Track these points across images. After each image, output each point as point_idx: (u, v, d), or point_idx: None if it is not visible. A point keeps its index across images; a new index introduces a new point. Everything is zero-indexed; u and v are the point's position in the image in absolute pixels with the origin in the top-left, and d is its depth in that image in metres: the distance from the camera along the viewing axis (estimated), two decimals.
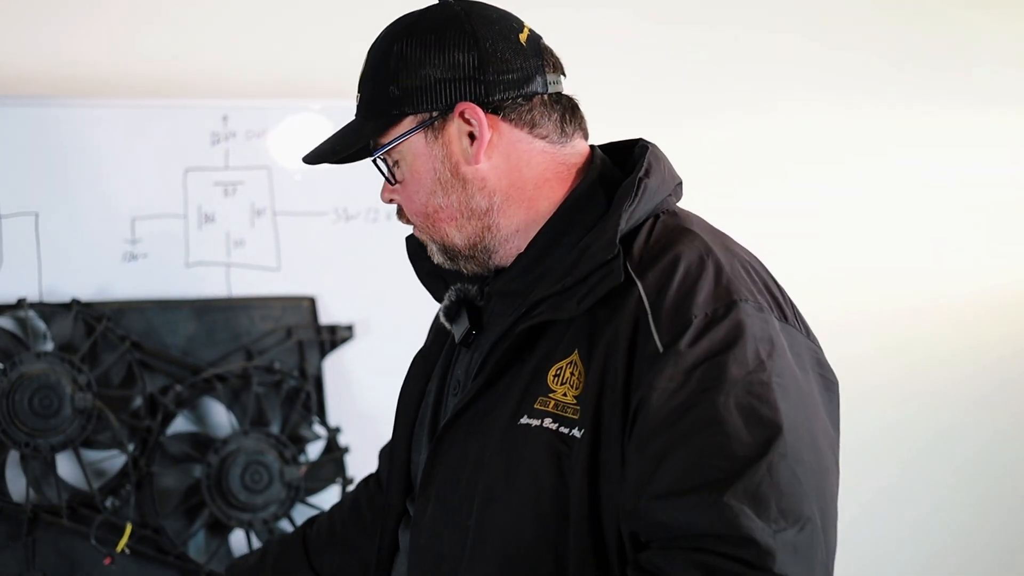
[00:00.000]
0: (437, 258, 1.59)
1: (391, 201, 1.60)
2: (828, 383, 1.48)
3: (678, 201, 1.60)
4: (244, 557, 1.98)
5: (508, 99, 1.53)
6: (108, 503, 2.50)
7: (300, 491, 2.60)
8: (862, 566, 3.35)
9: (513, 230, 1.54)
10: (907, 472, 3.48)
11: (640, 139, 1.62)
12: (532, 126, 1.55)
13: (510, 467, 1.44)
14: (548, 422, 1.43)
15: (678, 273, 1.43)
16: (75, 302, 2.53)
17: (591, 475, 1.40)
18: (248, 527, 2.55)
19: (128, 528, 2.46)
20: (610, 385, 1.41)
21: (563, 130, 1.57)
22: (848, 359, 3.26)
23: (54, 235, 2.57)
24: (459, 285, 1.62)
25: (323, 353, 2.75)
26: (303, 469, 2.61)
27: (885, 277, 3.43)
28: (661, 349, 1.38)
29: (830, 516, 1.39)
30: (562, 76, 1.60)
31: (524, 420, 1.44)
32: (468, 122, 1.52)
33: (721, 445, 1.33)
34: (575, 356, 1.44)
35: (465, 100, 1.51)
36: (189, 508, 2.55)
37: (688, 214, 1.56)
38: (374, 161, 1.59)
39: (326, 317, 2.77)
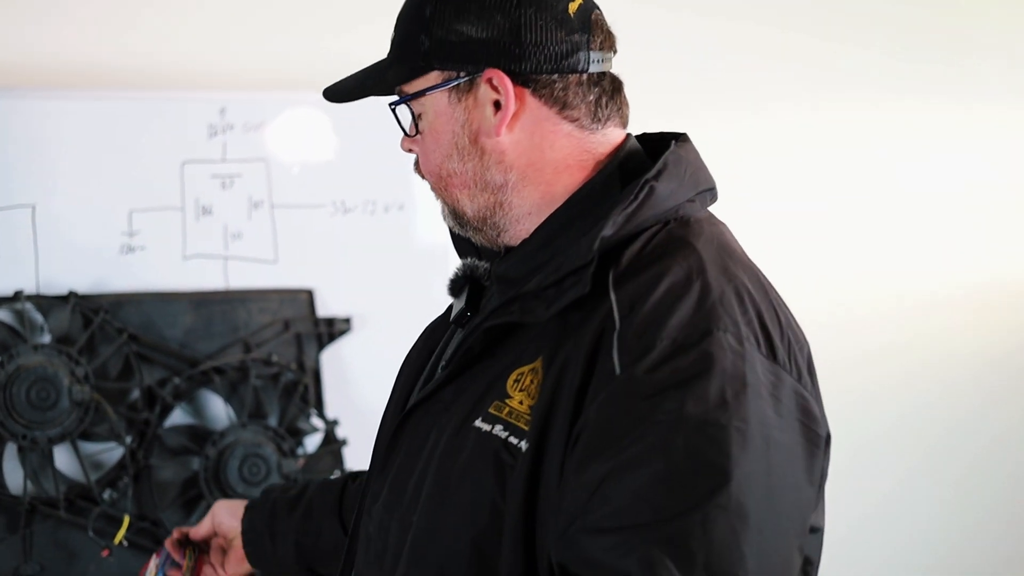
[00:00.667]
0: (447, 220, 1.52)
1: (410, 151, 1.52)
2: (812, 435, 1.35)
3: (705, 207, 1.48)
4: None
5: (541, 73, 1.42)
6: (106, 495, 2.50)
7: None
8: (873, 566, 3.36)
9: (525, 212, 1.45)
10: (923, 466, 3.47)
11: (681, 135, 1.51)
12: (563, 106, 1.45)
13: (456, 470, 1.37)
14: (498, 429, 1.36)
15: (658, 291, 1.33)
16: (72, 294, 2.53)
17: (529, 492, 1.33)
18: None
19: (126, 520, 2.46)
20: (562, 399, 1.32)
21: (596, 115, 1.46)
22: (861, 355, 3.30)
23: (51, 227, 2.57)
24: (471, 260, 1.56)
25: (321, 346, 2.75)
26: (301, 462, 2.61)
27: (891, 275, 3.42)
28: (618, 371, 1.29)
29: None
30: (612, 54, 1.49)
31: (477, 423, 1.38)
32: (495, 90, 1.43)
33: (657, 486, 1.24)
34: (538, 363, 1.37)
35: (495, 67, 1.42)
36: (187, 500, 2.55)
37: (702, 226, 1.44)
38: (393, 108, 1.51)
39: (324, 310, 2.77)
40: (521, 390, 1.37)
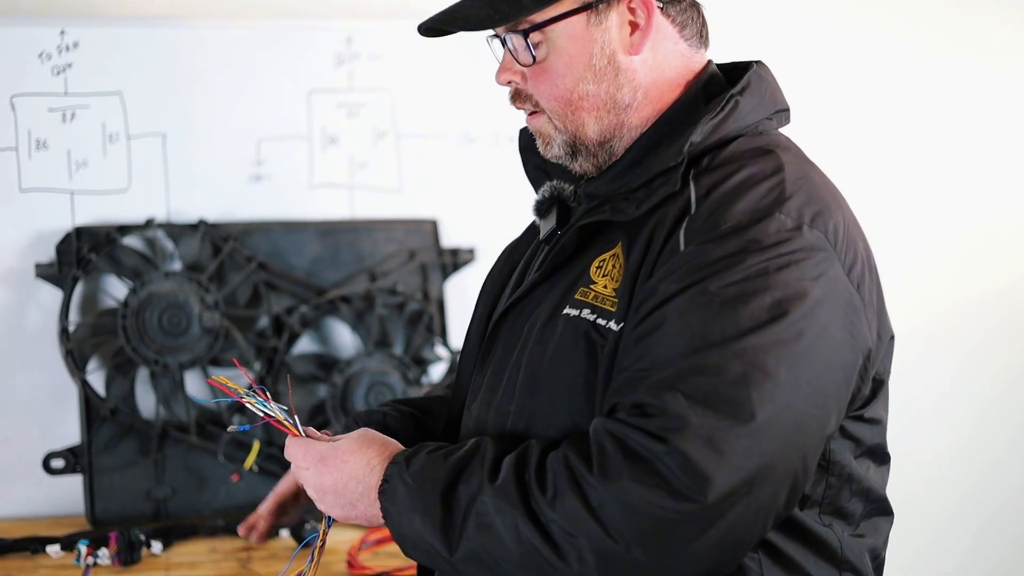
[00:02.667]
0: (555, 151, 1.53)
1: (508, 83, 1.54)
2: (854, 323, 1.38)
3: (780, 127, 1.54)
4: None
5: None
6: (235, 421, 2.54)
7: None
8: None
9: (638, 132, 1.51)
10: None
11: (757, 61, 1.56)
12: (683, 26, 1.52)
13: (549, 356, 1.43)
14: (586, 312, 1.41)
15: (733, 180, 1.39)
16: (202, 222, 2.57)
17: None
18: None
19: (256, 446, 2.50)
20: (641, 279, 1.39)
21: (701, 35, 1.54)
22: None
23: (181, 156, 2.61)
24: (556, 182, 1.59)
25: (445, 275, 2.75)
26: (426, 389, 2.63)
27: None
28: (682, 248, 1.36)
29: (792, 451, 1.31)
30: None
31: (566, 310, 1.43)
32: (632, 11, 1.47)
33: (684, 330, 1.31)
34: (618, 249, 1.43)
35: None
36: (314, 427, 2.58)
37: (779, 138, 1.50)
38: (504, 39, 1.51)
39: (448, 240, 2.77)
40: (604, 275, 1.43)
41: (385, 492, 1.39)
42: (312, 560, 1.56)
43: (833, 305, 1.35)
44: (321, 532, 1.57)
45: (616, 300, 1.40)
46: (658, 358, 1.31)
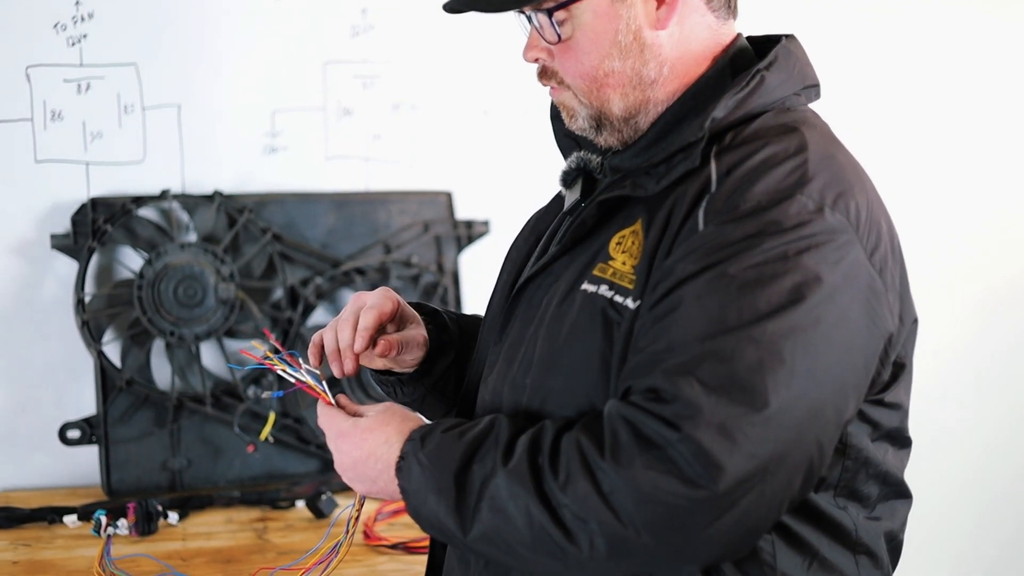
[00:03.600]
0: (579, 124, 1.52)
1: (535, 60, 1.52)
2: (875, 309, 1.36)
3: (809, 103, 1.51)
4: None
5: None
6: (250, 392, 2.54)
7: None
8: None
9: (664, 107, 1.48)
10: None
11: (788, 35, 1.53)
12: None
13: (565, 332, 1.42)
14: (604, 289, 1.40)
15: (754, 159, 1.36)
16: (217, 194, 2.56)
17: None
18: None
19: (271, 417, 2.51)
20: (659, 258, 1.37)
21: (729, 6, 1.51)
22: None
23: (196, 128, 2.60)
24: (583, 153, 1.57)
25: (460, 247, 2.75)
26: None
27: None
28: (701, 227, 1.34)
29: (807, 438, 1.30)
30: None
31: (584, 286, 1.42)
32: None
33: (700, 314, 1.29)
34: (637, 225, 1.41)
35: None
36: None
37: (806, 115, 1.47)
38: (529, 16, 1.49)
39: (463, 212, 2.77)
40: (623, 252, 1.41)
41: (401, 470, 1.39)
42: (348, 532, 1.58)
43: (853, 290, 1.33)
44: (356, 504, 1.58)
45: (634, 277, 1.38)
46: (674, 341, 1.30)
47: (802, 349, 1.28)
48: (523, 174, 2.72)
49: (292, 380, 1.58)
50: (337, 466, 1.49)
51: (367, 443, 1.45)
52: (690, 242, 1.34)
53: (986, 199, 3.17)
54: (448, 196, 2.76)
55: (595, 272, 1.42)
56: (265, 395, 1.71)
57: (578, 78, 1.48)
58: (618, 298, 1.38)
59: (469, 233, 2.75)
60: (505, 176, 2.76)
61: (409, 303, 1.71)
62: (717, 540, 1.27)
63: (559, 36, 1.47)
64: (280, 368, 1.57)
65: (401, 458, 1.40)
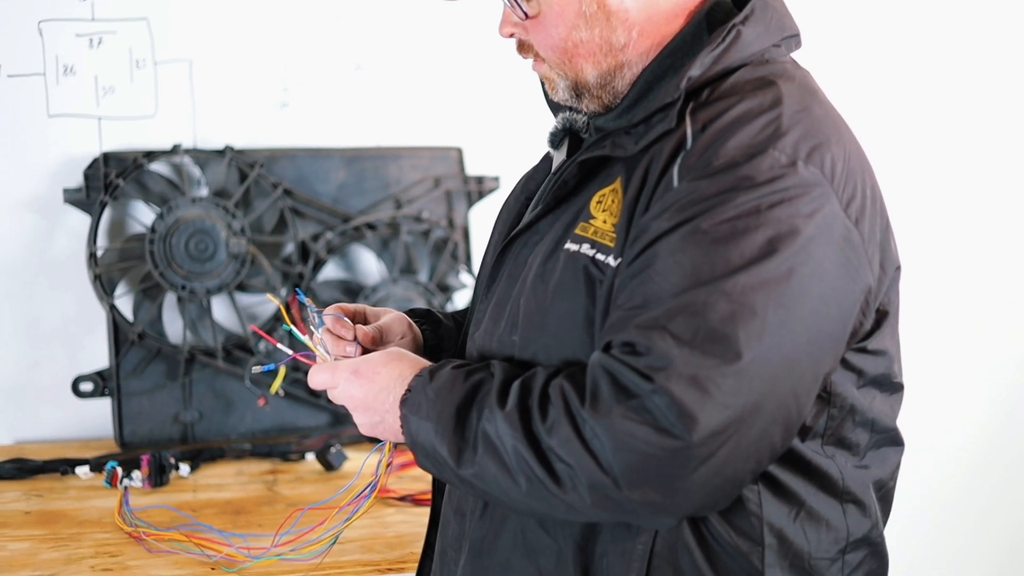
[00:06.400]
0: (560, 94, 1.53)
1: (510, 35, 1.53)
2: (851, 259, 1.37)
3: (790, 53, 1.51)
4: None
5: None
6: (261, 346, 2.56)
7: None
8: None
9: (640, 67, 1.48)
10: None
11: None
12: None
13: (551, 290, 1.43)
14: (586, 247, 1.41)
15: (728, 115, 1.37)
16: (228, 148, 2.57)
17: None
18: None
19: (282, 371, 2.52)
20: (637, 215, 1.38)
21: None
22: None
23: (207, 82, 2.61)
24: (568, 114, 1.58)
25: (470, 203, 2.76)
26: None
27: None
28: (675, 184, 1.35)
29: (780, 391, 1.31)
30: None
31: (567, 245, 1.44)
32: None
33: (674, 268, 1.31)
34: (617, 184, 1.42)
35: None
36: None
37: (785, 67, 1.47)
38: None
39: (473, 168, 2.78)
40: (604, 210, 1.42)
41: (407, 402, 1.41)
42: (376, 478, 1.61)
43: (828, 242, 1.34)
44: (386, 451, 1.61)
45: (615, 235, 1.40)
46: (649, 296, 1.32)
47: (775, 301, 1.29)
48: (534, 130, 2.70)
49: (304, 340, 1.61)
50: (348, 403, 1.50)
51: (379, 377, 1.47)
52: (665, 199, 1.35)
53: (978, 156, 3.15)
54: (459, 152, 2.76)
55: (577, 231, 1.43)
56: (256, 370, 1.72)
57: (549, 51, 1.50)
58: (600, 256, 1.40)
59: (480, 189, 2.76)
60: (516, 132, 2.76)
61: (407, 311, 1.74)
62: (696, 491, 1.28)
63: (525, 13, 1.49)
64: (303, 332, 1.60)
65: (409, 391, 1.42)
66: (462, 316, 1.80)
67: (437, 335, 1.73)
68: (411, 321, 1.71)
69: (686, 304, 1.29)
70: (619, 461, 1.27)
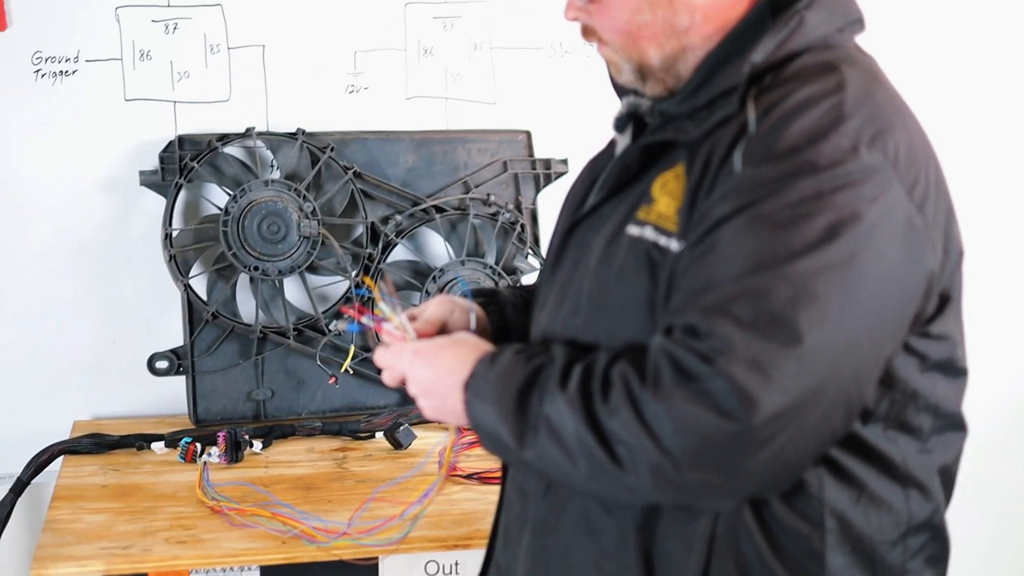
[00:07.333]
0: (625, 77, 1.53)
1: (575, 19, 1.53)
2: (915, 247, 1.36)
3: (854, 37, 1.51)
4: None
5: None
6: (332, 326, 2.60)
7: None
8: None
9: (704, 51, 1.48)
10: None
11: None
12: None
13: (613, 274, 1.44)
14: (648, 232, 1.42)
15: (791, 100, 1.37)
16: (300, 132, 2.62)
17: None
18: None
19: (352, 351, 2.57)
20: (699, 200, 1.38)
21: None
22: None
23: (280, 67, 2.65)
24: (633, 98, 1.58)
25: (538, 187, 2.78)
26: None
27: None
28: (738, 169, 1.35)
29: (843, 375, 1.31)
30: None
31: (629, 229, 1.44)
32: None
33: (735, 254, 1.31)
34: (680, 168, 1.42)
35: None
36: None
37: (849, 52, 1.47)
38: None
39: (541, 151, 2.80)
40: (667, 194, 1.43)
41: (470, 386, 1.43)
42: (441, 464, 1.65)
43: (890, 227, 1.34)
44: (451, 434, 1.64)
45: (677, 220, 1.40)
46: (711, 280, 1.32)
47: (836, 286, 1.29)
48: (602, 113, 2.72)
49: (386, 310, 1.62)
50: (411, 384, 1.52)
51: (442, 360, 1.48)
52: (727, 184, 1.36)
53: None
54: (527, 135, 2.78)
55: (639, 215, 1.44)
56: (339, 326, 1.73)
57: (613, 34, 1.50)
58: (662, 240, 1.40)
59: (547, 172, 2.78)
60: (584, 115, 2.77)
61: (474, 291, 1.76)
62: (756, 474, 1.29)
63: None
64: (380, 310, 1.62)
65: (472, 375, 1.43)
66: (531, 292, 1.81)
67: (503, 316, 1.75)
68: (456, 300, 1.71)
69: (748, 288, 1.29)
70: (680, 444, 1.28)
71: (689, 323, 1.31)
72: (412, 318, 1.64)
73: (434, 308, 1.67)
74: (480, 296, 1.76)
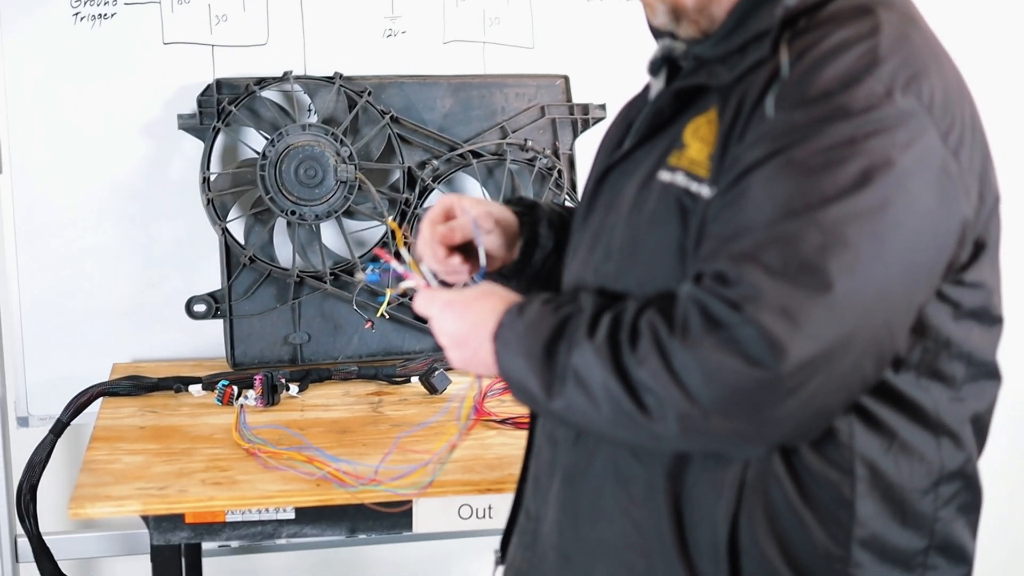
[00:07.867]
0: (660, 19, 1.51)
1: None
2: (948, 191, 1.34)
3: None
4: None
5: None
6: (358, 276, 2.61)
7: None
8: None
9: None
10: None
11: None
12: None
13: (644, 219, 1.43)
14: (680, 178, 1.40)
15: (825, 44, 1.35)
16: (337, 75, 2.61)
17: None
18: None
19: (388, 295, 2.57)
20: (731, 145, 1.37)
21: None
22: None
23: (317, 11, 2.65)
24: (668, 41, 1.55)
25: (576, 132, 2.77)
26: None
27: None
28: (770, 114, 1.33)
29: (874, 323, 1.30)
30: None
31: (660, 174, 1.43)
32: None
33: (766, 200, 1.30)
34: (712, 113, 1.40)
35: None
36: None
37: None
38: None
39: (579, 96, 2.78)
40: (699, 140, 1.41)
41: (499, 337, 1.43)
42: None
43: (925, 173, 1.32)
44: (479, 383, 1.66)
45: (709, 165, 1.39)
46: (740, 227, 1.31)
47: (868, 233, 1.28)
48: (641, 58, 2.70)
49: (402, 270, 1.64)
50: (441, 336, 1.52)
51: (471, 312, 1.47)
52: (759, 129, 1.34)
53: None
54: (565, 79, 2.77)
55: (671, 160, 1.42)
56: (359, 276, 1.75)
57: None
58: (693, 187, 1.39)
59: (585, 117, 2.77)
60: (623, 60, 2.75)
61: (507, 200, 1.75)
62: (784, 422, 1.29)
63: None
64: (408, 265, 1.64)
65: (500, 325, 1.43)
66: (570, 213, 1.80)
67: (535, 232, 1.73)
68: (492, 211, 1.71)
69: (778, 235, 1.28)
70: (708, 392, 1.27)
71: (718, 270, 1.30)
72: (450, 218, 1.65)
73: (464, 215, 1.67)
74: (519, 205, 1.75)
